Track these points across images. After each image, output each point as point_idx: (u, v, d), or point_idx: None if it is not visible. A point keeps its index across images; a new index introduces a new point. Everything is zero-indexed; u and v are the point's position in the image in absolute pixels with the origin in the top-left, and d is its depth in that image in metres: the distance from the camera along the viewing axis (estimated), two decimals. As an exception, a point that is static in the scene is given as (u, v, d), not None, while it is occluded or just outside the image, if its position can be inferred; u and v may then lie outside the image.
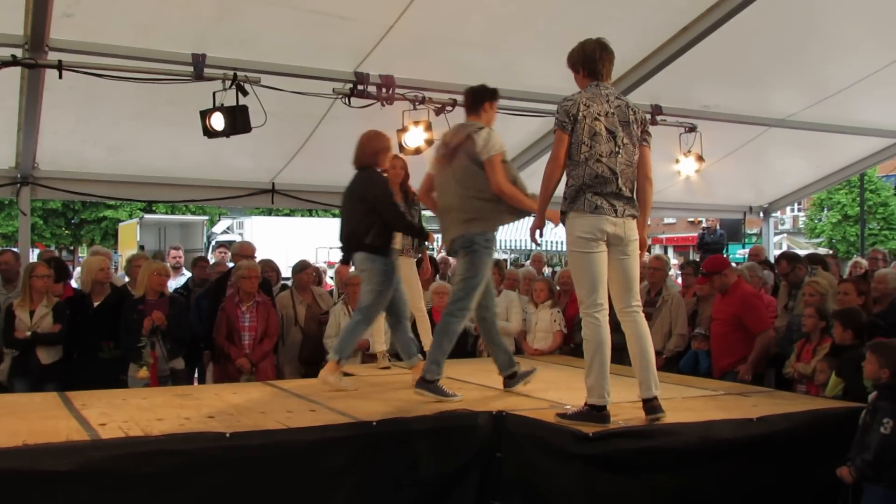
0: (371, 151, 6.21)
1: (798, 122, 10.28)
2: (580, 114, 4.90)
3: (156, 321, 7.15)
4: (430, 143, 8.47)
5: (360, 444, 4.60)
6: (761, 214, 13.99)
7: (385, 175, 6.49)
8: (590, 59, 5.20)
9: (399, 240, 6.22)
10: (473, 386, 6.25)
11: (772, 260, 10.76)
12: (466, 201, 5.64)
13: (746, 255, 11.52)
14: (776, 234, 29.43)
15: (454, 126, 6.00)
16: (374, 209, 5.98)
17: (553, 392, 5.86)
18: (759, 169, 12.47)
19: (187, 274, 10.50)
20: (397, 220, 6.14)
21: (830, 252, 24.27)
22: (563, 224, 5.05)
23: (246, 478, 4.25)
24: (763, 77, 9.07)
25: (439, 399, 5.47)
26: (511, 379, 5.99)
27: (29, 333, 7.03)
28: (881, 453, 4.66)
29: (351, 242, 6.08)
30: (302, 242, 23.70)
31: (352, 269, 6.72)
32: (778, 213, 36.00)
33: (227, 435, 4.29)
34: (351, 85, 7.95)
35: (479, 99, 5.86)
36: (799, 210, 42.86)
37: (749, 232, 20.56)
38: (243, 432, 4.40)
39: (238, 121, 7.51)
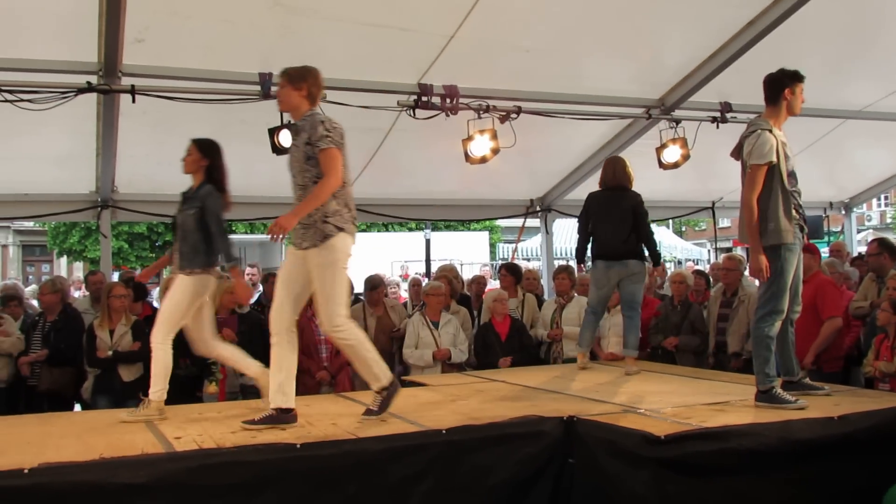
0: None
1: (875, 113, 9.94)
2: None
3: (226, 338, 7.29)
4: (495, 151, 8.46)
5: (430, 452, 4.58)
6: (842, 210, 13.59)
7: None
8: None
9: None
10: (546, 393, 6.21)
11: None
12: None
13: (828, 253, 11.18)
14: (862, 230, 28.61)
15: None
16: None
17: (627, 397, 5.78)
18: (838, 163, 12.08)
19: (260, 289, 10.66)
20: None
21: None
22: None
23: (317, 488, 4.28)
24: (835, 68, 8.80)
25: (781, 407, 5.19)
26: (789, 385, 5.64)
27: (110, 353, 7.24)
28: None
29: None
30: (377, 257, 23.91)
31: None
32: (863, 209, 34.76)
33: (298, 445, 4.33)
34: (415, 97, 7.99)
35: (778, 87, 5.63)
36: (887, 204, 41.46)
37: (832, 230, 19.99)
38: (313, 443, 4.44)
39: (306, 137, 7.58)
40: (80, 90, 6.96)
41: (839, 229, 15.15)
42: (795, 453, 4.59)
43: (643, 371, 7.27)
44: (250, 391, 7.48)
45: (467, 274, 16.83)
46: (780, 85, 5.58)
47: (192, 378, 7.37)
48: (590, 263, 7.88)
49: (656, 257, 7.46)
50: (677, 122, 9.21)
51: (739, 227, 5.50)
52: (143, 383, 7.29)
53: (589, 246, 7.64)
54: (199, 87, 7.29)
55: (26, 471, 3.78)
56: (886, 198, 39.54)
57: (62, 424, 5.43)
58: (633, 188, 7.46)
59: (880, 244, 7.95)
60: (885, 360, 6.21)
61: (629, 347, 7.32)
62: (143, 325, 7.47)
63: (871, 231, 35.54)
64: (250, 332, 7.61)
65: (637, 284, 7.29)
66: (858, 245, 14.56)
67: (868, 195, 13.87)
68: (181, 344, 7.43)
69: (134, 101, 7.13)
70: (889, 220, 40.30)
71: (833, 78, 9.14)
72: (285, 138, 7.58)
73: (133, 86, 7.07)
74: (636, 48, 8.13)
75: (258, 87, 7.37)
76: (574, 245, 8.31)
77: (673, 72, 8.64)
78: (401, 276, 21.18)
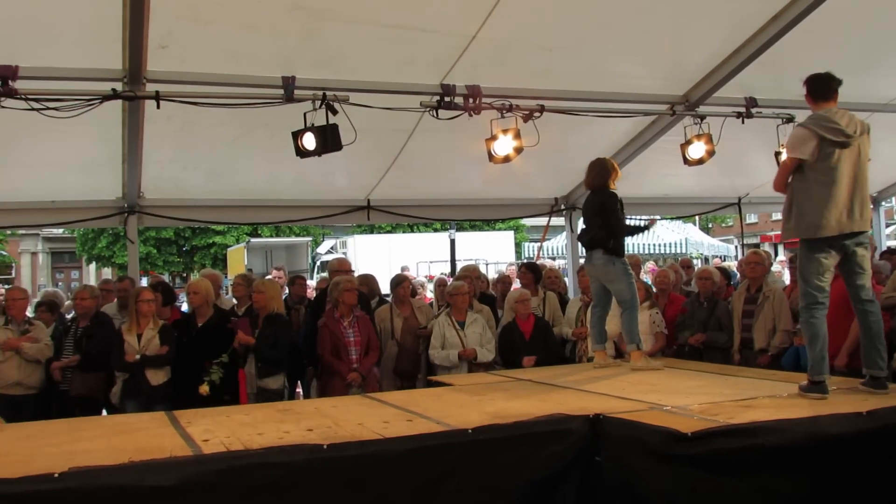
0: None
1: (904, 105, 9.85)
2: None
3: (241, 341, 7.37)
4: (518, 150, 8.45)
5: (457, 452, 4.58)
6: (871, 205, 13.42)
7: None
8: None
9: None
10: (572, 391, 6.19)
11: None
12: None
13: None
14: (890, 224, 28.23)
15: (836, 111, 5.67)
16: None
17: (653, 394, 5.75)
18: (866, 157, 11.95)
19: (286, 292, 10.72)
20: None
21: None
22: None
23: (344, 488, 4.30)
24: (861, 60, 8.70)
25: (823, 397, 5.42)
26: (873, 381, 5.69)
27: (138, 357, 7.31)
28: None
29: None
30: (403, 258, 24.00)
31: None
32: (892, 203, 34.44)
33: (325, 446, 4.35)
34: (438, 97, 7.99)
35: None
36: (916, 198, 40.95)
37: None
38: (340, 443, 4.44)
39: (329, 139, 7.62)
40: (106, 97, 7.01)
41: (868, 224, 14.95)
42: (824, 449, 4.55)
43: (669, 368, 7.23)
44: (270, 395, 7.55)
45: (493, 273, 16.85)
46: None
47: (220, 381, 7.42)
48: None
49: (616, 248, 7.25)
50: (702, 118, 9.14)
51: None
52: (169, 387, 7.38)
53: None
54: (223, 92, 7.34)
55: (57, 475, 3.82)
56: (916, 191, 39.01)
57: (91, 428, 5.47)
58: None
59: None
60: (915, 353, 6.14)
61: (630, 343, 7.32)
62: (171, 330, 7.55)
63: (899, 226, 35.13)
64: (275, 335, 7.64)
65: (614, 283, 7.26)
66: (887, 239, 14.39)
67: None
68: (207, 347, 7.55)
69: (158, 106, 7.18)
70: (919, 214, 39.80)
71: (859, 71, 9.02)
72: (309, 141, 7.61)
73: (157, 92, 7.12)
74: (659, 44, 8.09)
75: (281, 91, 7.39)
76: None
77: (697, 67, 8.59)
78: (426, 276, 21.19)
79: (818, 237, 5.49)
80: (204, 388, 7.25)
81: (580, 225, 8.24)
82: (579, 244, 7.85)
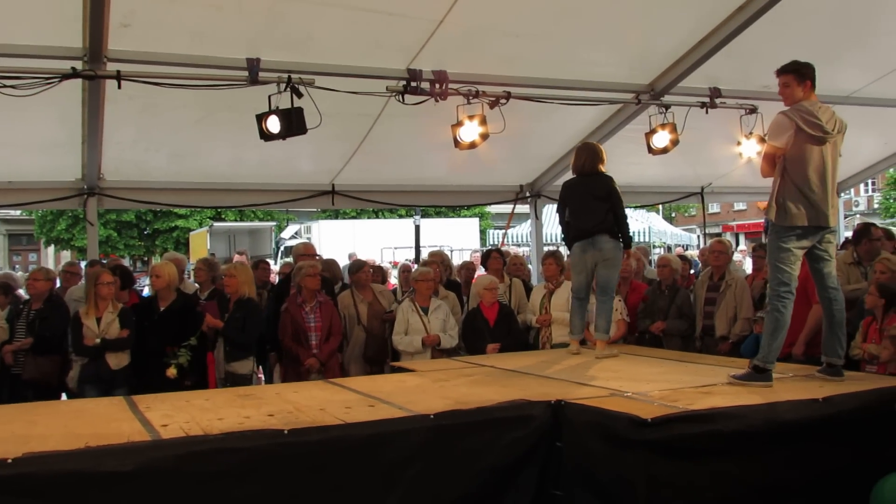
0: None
1: (864, 98, 9.95)
2: None
3: (209, 324, 7.31)
4: (484, 136, 8.44)
5: (419, 437, 4.58)
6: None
7: None
8: None
9: None
10: (534, 377, 6.22)
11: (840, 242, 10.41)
12: None
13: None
14: (849, 215, 28.67)
15: (819, 106, 5.76)
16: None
17: (615, 381, 5.78)
18: (827, 148, 12.11)
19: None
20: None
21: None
22: None
23: (305, 474, 4.28)
24: (824, 53, 8.75)
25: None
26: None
27: (98, 340, 7.20)
28: None
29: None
30: (368, 244, 23.94)
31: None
32: (851, 194, 34.80)
33: (285, 432, 4.32)
34: (404, 82, 7.94)
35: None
36: (874, 190, 41.62)
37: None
38: (301, 428, 4.41)
39: (294, 123, 7.55)
40: (65, 76, 6.90)
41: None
42: (781, 434, 4.62)
43: (630, 355, 7.29)
44: (239, 379, 7.49)
45: (457, 260, 16.86)
46: None
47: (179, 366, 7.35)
48: None
49: (628, 241, 7.35)
50: (666, 107, 9.20)
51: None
52: (130, 371, 7.29)
53: None
54: (186, 73, 7.23)
55: (10, 460, 3.75)
56: (874, 183, 39.68)
57: (47, 413, 5.40)
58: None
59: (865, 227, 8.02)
60: (873, 342, 6.25)
61: (600, 331, 7.33)
62: (131, 313, 7.45)
63: (858, 216, 35.69)
64: (244, 318, 7.59)
65: (612, 269, 7.26)
66: (846, 230, 14.59)
67: (855, 180, 13.91)
68: (168, 331, 7.47)
69: (120, 86, 7.08)
70: (876, 206, 40.44)
71: (821, 63, 9.00)
72: (273, 124, 7.53)
73: (119, 71, 7.01)
74: (626, 33, 8.11)
75: (246, 73, 7.31)
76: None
77: (662, 57, 8.63)
78: (391, 262, 21.16)
79: (795, 225, 5.56)
80: (171, 371, 7.17)
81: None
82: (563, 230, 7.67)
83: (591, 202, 7.22)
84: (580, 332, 7.53)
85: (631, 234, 7.50)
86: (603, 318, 7.32)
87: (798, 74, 5.73)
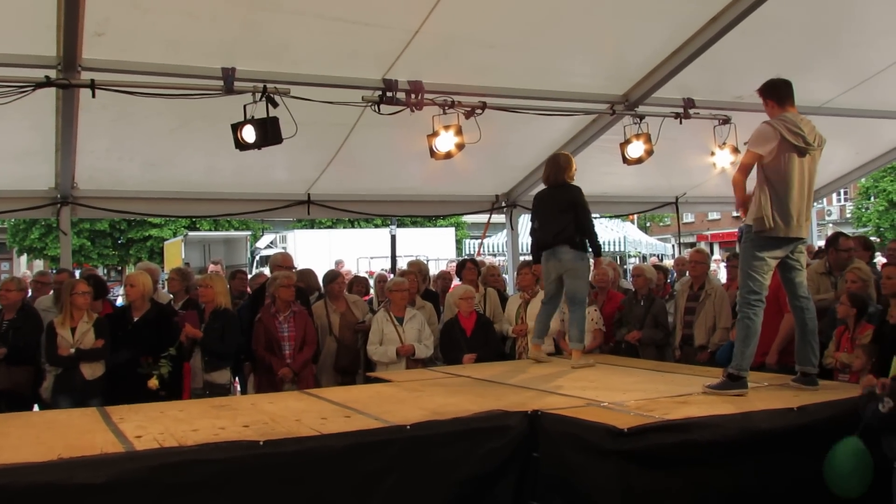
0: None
1: (835, 109, 10.06)
2: None
3: (188, 334, 7.26)
4: (460, 146, 8.45)
5: (395, 448, 4.58)
6: (811, 212, 13.74)
7: None
8: None
9: None
10: (511, 387, 6.22)
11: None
12: None
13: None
14: (822, 224, 28.99)
15: (801, 118, 5.82)
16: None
17: (591, 391, 5.80)
18: (800, 158, 12.25)
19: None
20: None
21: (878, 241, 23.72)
22: None
23: (280, 485, 4.25)
24: (796, 64, 8.87)
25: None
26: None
27: (73, 350, 7.13)
28: (868, 426, 4.65)
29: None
30: (344, 253, 23.90)
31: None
32: (824, 203, 35.20)
33: (261, 443, 4.30)
34: (380, 92, 7.94)
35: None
36: (846, 199, 42.11)
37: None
38: (277, 440, 4.40)
39: (269, 133, 7.52)
40: (39, 84, 6.84)
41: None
42: (756, 444, 4.65)
43: (606, 365, 7.32)
44: (217, 389, 7.45)
45: (434, 270, 16.84)
46: None
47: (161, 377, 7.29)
48: None
49: (596, 248, 7.46)
50: (641, 117, 9.25)
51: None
52: (105, 381, 7.22)
53: None
54: (161, 82, 7.19)
55: (-18, 472, 3.71)
56: (846, 192, 40.17)
57: (19, 425, 5.34)
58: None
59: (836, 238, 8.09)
60: (845, 351, 6.30)
61: (573, 341, 7.37)
62: (106, 323, 7.38)
63: (831, 225, 36.13)
64: (223, 329, 7.56)
65: (576, 280, 7.29)
66: (819, 239, 14.75)
67: (828, 190, 14.01)
68: (143, 341, 7.41)
69: (94, 95, 7.02)
70: (848, 215, 40.94)
71: (793, 74, 9.14)
72: (248, 134, 7.50)
73: (93, 80, 6.96)
74: (601, 44, 8.16)
75: (221, 82, 7.27)
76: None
77: (637, 68, 8.68)
78: (367, 272, 21.12)
79: (772, 236, 5.60)
80: (153, 383, 7.11)
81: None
82: (530, 241, 7.74)
83: (556, 213, 7.32)
84: (540, 335, 7.59)
85: (599, 241, 7.53)
86: (575, 328, 7.34)
87: (772, 94, 5.82)
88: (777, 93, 5.80)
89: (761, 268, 5.67)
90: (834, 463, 4.73)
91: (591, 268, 7.92)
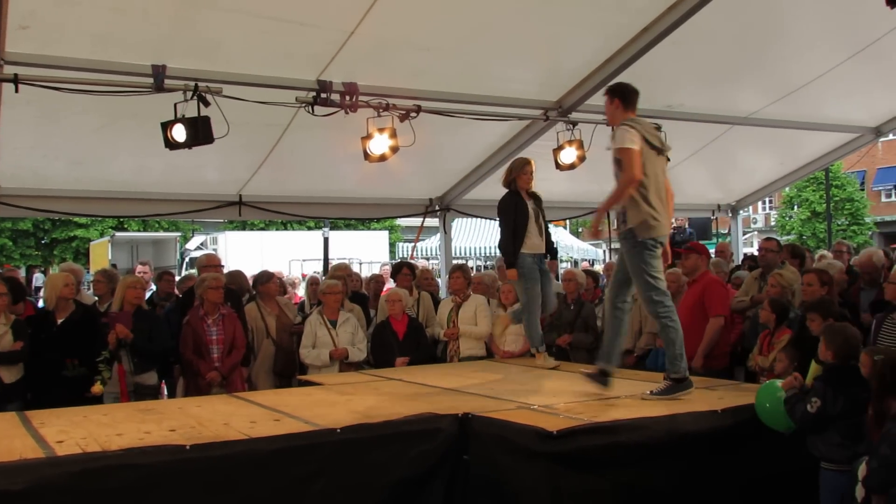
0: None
1: (761, 119, 10.34)
2: None
3: (119, 335, 7.09)
4: (394, 149, 8.43)
5: (325, 451, 4.56)
6: (729, 213, 14.07)
7: None
8: None
9: None
10: (442, 391, 6.22)
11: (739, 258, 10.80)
12: None
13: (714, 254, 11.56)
14: (747, 231, 29.68)
15: (648, 124, 5.93)
16: None
17: (521, 394, 5.84)
18: (726, 167, 12.54)
19: (153, 288, 10.38)
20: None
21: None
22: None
23: (208, 490, 4.19)
24: (725, 75, 9.12)
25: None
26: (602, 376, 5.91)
27: (-10, 353, 6.92)
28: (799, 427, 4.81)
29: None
30: (276, 256, 23.65)
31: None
32: (750, 212, 35.98)
33: (188, 447, 4.24)
34: (314, 93, 7.88)
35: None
36: (771, 208, 43.23)
37: (721, 231, 20.69)
38: (204, 444, 4.34)
39: (200, 132, 7.38)
40: (-41, 78, 6.64)
41: (727, 231, 15.66)
42: (682, 445, 4.73)
43: (537, 368, 7.37)
44: (146, 392, 7.30)
45: (367, 273, 16.79)
46: None
47: (81, 378, 7.10)
48: None
49: (504, 256, 7.55)
50: (574, 124, 9.35)
51: None
52: (23, 385, 7.02)
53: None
54: (89, 78, 7.01)
55: None
56: (770, 201, 41.23)
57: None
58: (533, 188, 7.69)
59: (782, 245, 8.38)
60: (764, 355, 6.46)
61: (532, 345, 7.58)
62: (24, 325, 7.18)
63: (756, 233, 36.98)
64: (150, 329, 7.42)
65: (517, 286, 7.54)
66: (744, 246, 15.09)
67: (753, 198, 14.37)
68: (69, 344, 7.23)
69: (17, 90, 6.81)
70: (773, 223, 42.04)
71: (722, 85, 9.47)
72: (179, 133, 7.37)
73: (16, 74, 6.75)
74: (536, 51, 8.23)
75: (151, 80, 7.12)
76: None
77: (570, 74, 8.77)
78: (301, 274, 20.95)
79: (656, 237, 5.69)
80: (98, 388, 6.93)
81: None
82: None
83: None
84: (535, 344, 7.65)
85: (510, 248, 7.40)
86: (528, 332, 7.57)
87: (621, 97, 5.95)
88: (626, 96, 5.94)
89: (657, 269, 5.73)
90: (759, 402, 4.98)
91: None
